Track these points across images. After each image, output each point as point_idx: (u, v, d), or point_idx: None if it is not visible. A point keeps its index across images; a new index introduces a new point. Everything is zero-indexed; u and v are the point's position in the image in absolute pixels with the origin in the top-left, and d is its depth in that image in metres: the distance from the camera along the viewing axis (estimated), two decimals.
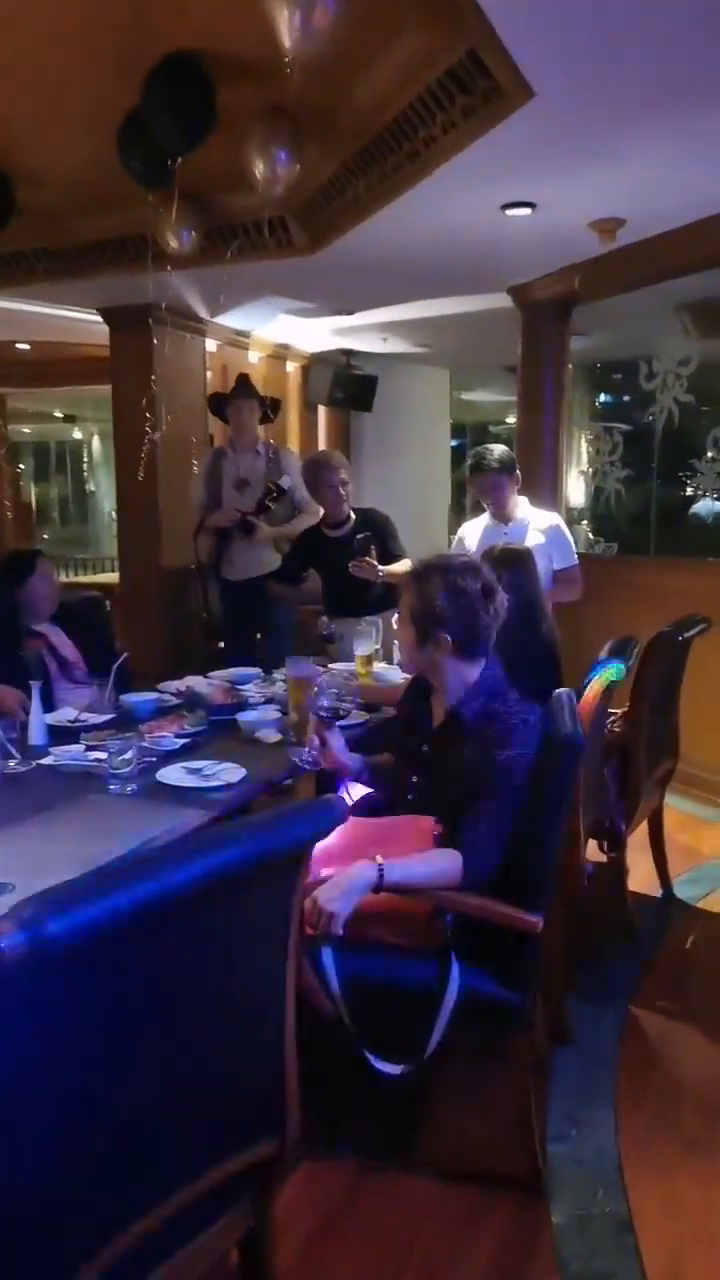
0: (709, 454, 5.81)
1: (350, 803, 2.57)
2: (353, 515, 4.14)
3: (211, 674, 3.63)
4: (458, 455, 9.38)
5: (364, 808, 2.49)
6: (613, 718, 3.24)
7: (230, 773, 2.42)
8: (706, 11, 2.41)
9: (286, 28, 2.50)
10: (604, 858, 3.22)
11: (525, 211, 3.94)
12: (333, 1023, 1.95)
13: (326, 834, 1.47)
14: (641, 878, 3.59)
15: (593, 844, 3.08)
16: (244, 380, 4.98)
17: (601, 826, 3.08)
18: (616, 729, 3.23)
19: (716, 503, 7.47)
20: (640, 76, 2.79)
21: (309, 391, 7.63)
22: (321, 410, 7.98)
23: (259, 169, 3.27)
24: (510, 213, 3.94)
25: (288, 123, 3.24)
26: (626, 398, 8.39)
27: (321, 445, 7.83)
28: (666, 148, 3.31)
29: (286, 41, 2.52)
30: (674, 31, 2.52)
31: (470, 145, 3.17)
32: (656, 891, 3.59)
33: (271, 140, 3.24)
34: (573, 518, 6.43)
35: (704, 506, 7.70)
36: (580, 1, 2.37)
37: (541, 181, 3.65)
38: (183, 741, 2.71)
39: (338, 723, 2.49)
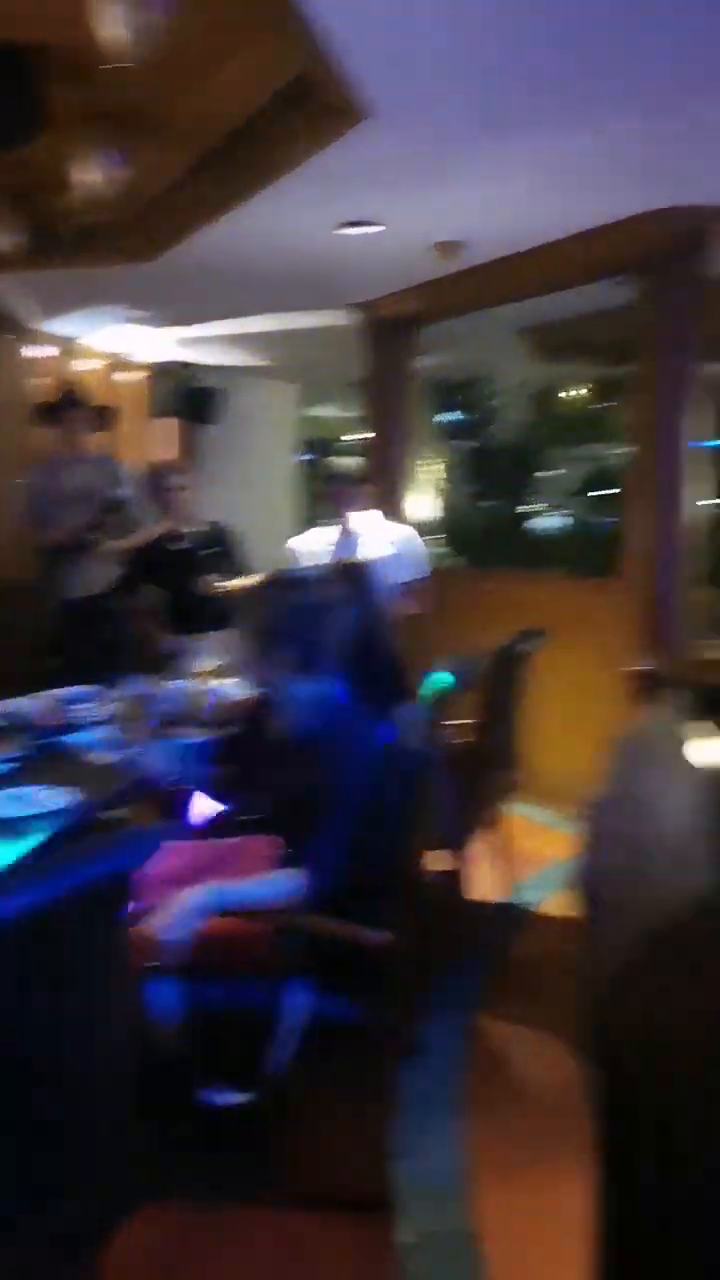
0: (548, 471, 6.04)
1: (199, 823, 2.50)
2: (195, 528, 4.05)
3: (41, 694, 3.45)
4: (305, 470, 9.40)
5: (202, 829, 2.42)
6: (451, 729, 3.28)
7: (59, 798, 2.29)
8: (537, 42, 2.48)
9: (114, 24, 2.42)
10: (447, 869, 3.24)
11: (366, 230, 3.96)
12: (169, 1056, 1.87)
13: (141, 865, 1.40)
14: (487, 886, 3.64)
15: (436, 855, 3.10)
16: (72, 390, 4.82)
17: (443, 838, 3.10)
18: (455, 741, 3.27)
19: (553, 518, 7.78)
20: (478, 102, 2.84)
21: (149, 403, 7.46)
22: (165, 422, 7.81)
23: (89, 171, 3.16)
24: (350, 231, 3.96)
25: (121, 125, 3.15)
26: (471, 416, 8.64)
27: (164, 458, 7.66)
28: (505, 173, 3.39)
29: (115, 38, 2.44)
30: (508, 60, 2.58)
31: (305, 162, 3.17)
32: (502, 898, 3.64)
33: (103, 142, 3.14)
34: (420, 532, 6.53)
35: (542, 522, 8.01)
36: (417, 29, 2.39)
37: (381, 201, 3.68)
38: (7, 767, 2.56)
39: (175, 734, 2.42)
